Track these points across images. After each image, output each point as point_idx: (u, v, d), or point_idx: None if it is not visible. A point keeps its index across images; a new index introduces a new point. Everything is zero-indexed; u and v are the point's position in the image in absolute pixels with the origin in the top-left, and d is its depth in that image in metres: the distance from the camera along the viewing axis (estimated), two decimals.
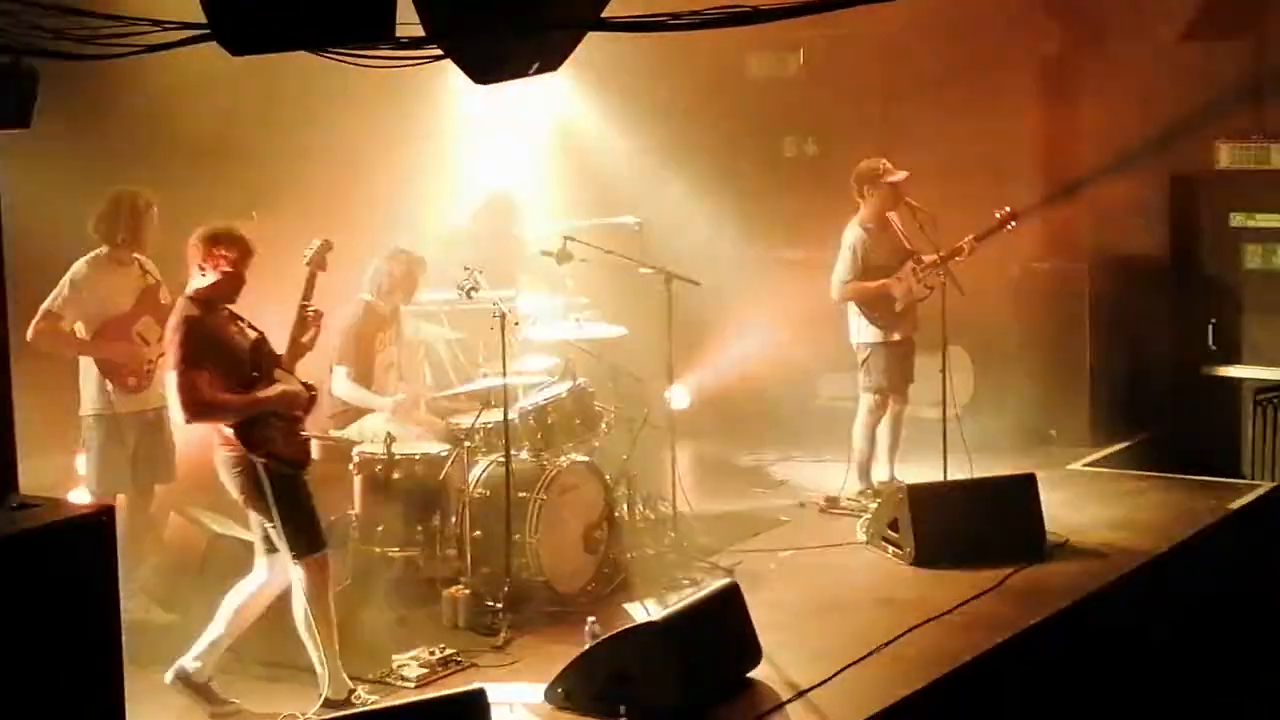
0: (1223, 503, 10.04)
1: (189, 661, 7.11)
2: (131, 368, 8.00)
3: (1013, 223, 9.96)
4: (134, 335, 8.04)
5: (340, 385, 8.79)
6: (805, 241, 10.89)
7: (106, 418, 8.00)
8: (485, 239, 10.17)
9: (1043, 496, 9.22)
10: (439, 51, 5.66)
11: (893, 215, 10.00)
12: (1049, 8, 12.21)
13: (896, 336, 9.99)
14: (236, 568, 8.20)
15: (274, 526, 6.97)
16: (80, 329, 7.98)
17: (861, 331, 10.03)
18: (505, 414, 8.24)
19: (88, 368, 8.03)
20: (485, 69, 5.78)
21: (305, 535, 7.02)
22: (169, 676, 7.08)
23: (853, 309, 10.03)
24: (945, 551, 8.83)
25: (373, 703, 6.92)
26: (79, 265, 7.98)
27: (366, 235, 9.35)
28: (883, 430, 10.17)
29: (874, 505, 9.68)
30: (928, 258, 9.84)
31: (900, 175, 9.88)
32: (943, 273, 9.70)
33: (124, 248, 8.06)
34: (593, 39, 5.90)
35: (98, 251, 8.05)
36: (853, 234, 9.99)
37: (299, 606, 7.04)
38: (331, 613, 7.07)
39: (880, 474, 10.16)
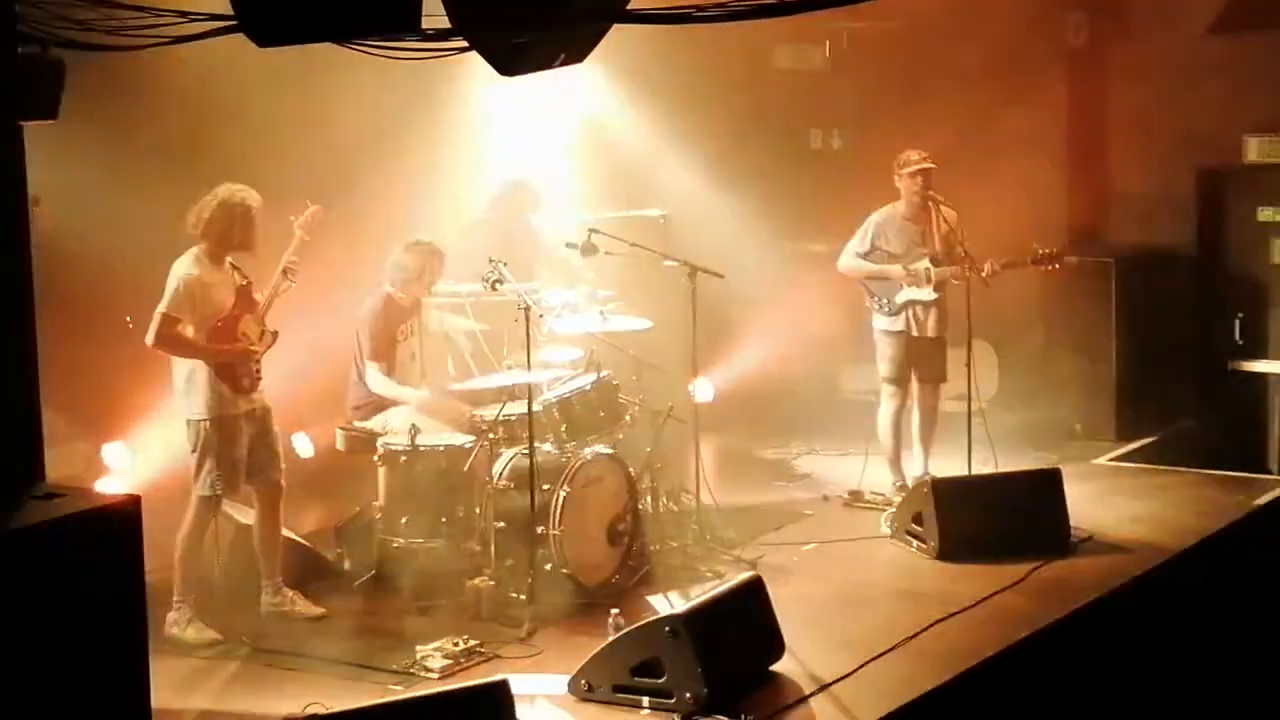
0: (1248, 498, 10.00)
1: None
2: (244, 368, 7.90)
3: (1056, 265, 9.92)
4: (240, 335, 7.94)
5: (375, 381, 8.80)
6: (830, 234, 10.86)
7: (223, 419, 7.87)
8: (502, 229, 10.13)
9: (1067, 491, 9.19)
10: (465, 43, 5.67)
11: (946, 211, 9.91)
12: (1076, 0, 12.16)
13: (899, 327, 9.99)
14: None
15: None
16: (190, 331, 7.83)
17: (874, 319, 10.09)
18: (530, 406, 8.25)
19: (195, 371, 7.85)
20: (510, 61, 5.79)
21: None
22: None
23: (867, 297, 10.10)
24: (969, 546, 8.81)
25: (397, 693, 6.95)
26: (186, 266, 7.82)
27: (386, 226, 9.36)
28: (914, 425, 10.18)
29: (898, 499, 9.68)
30: (949, 269, 9.82)
31: (915, 166, 9.86)
32: (967, 270, 9.68)
33: (224, 247, 7.93)
34: (618, 31, 5.90)
35: (196, 251, 7.88)
36: (875, 215, 10.05)
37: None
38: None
39: (914, 469, 10.15)
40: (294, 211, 8.12)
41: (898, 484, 10.06)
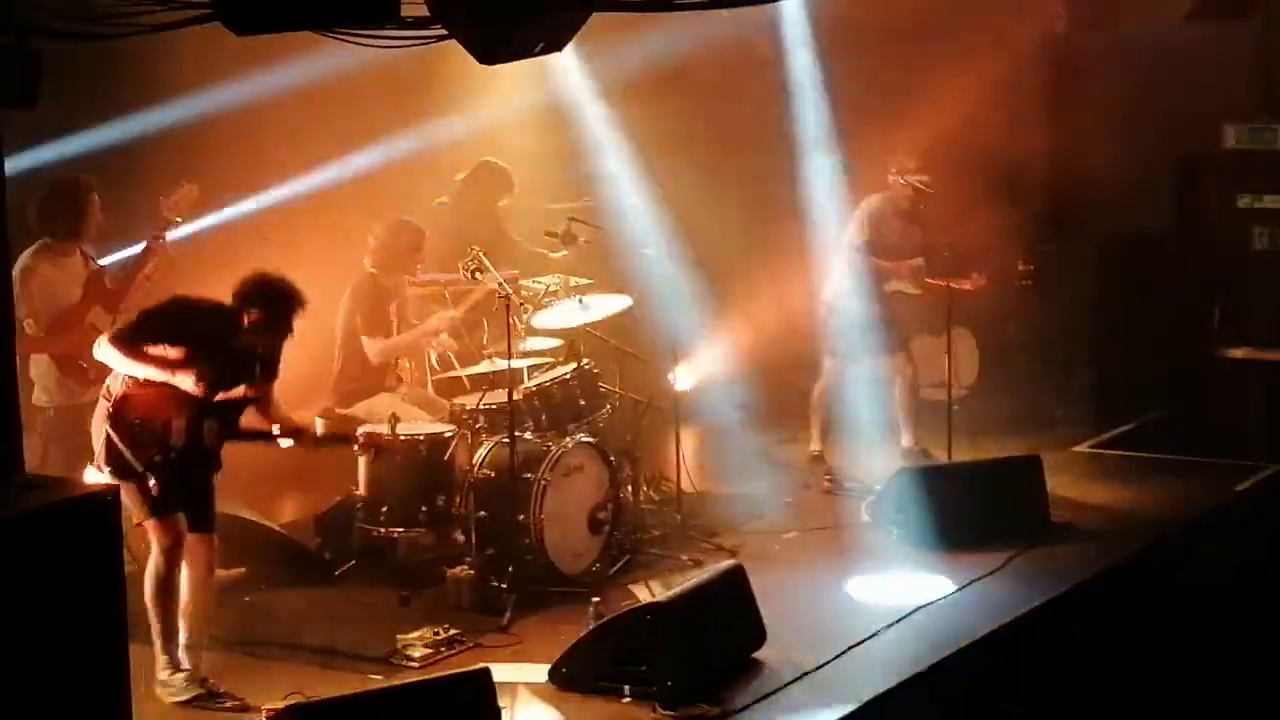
0: (1228, 484, 10.04)
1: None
2: (88, 359, 7.68)
3: (1030, 281, 10.24)
4: (87, 325, 7.89)
5: (378, 350, 8.82)
6: (811, 221, 10.87)
7: (68, 409, 7.85)
8: (468, 215, 10.08)
9: (1047, 478, 9.22)
10: (443, 31, 5.66)
11: (927, 204, 10.11)
12: None
13: (858, 307, 10.12)
14: (247, 551, 8.22)
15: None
16: (30, 325, 7.80)
17: (834, 293, 10.26)
18: (510, 395, 8.24)
19: (40, 359, 7.89)
20: (490, 49, 5.78)
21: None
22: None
23: (839, 267, 10.22)
24: (950, 533, 8.82)
25: (378, 682, 6.95)
26: (24, 259, 7.78)
27: (361, 211, 9.36)
28: (895, 399, 10.29)
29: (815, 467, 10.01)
30: (936, 278, 9.98)
31: (913, 179, 9.97)
32: (953, 282, 9.89)
33: (67, 237, 7.92)
34: (597, 17, 5.90)
35: (41, 243, 7.89)
36: (869, 203, 10.20)
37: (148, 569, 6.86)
38: (175, 589, 6.86)
39: (905, 441, 10.29)
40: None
41: (815, 451, 10.40)
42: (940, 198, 9.93)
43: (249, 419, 7.08)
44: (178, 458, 6.80)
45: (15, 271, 7.65)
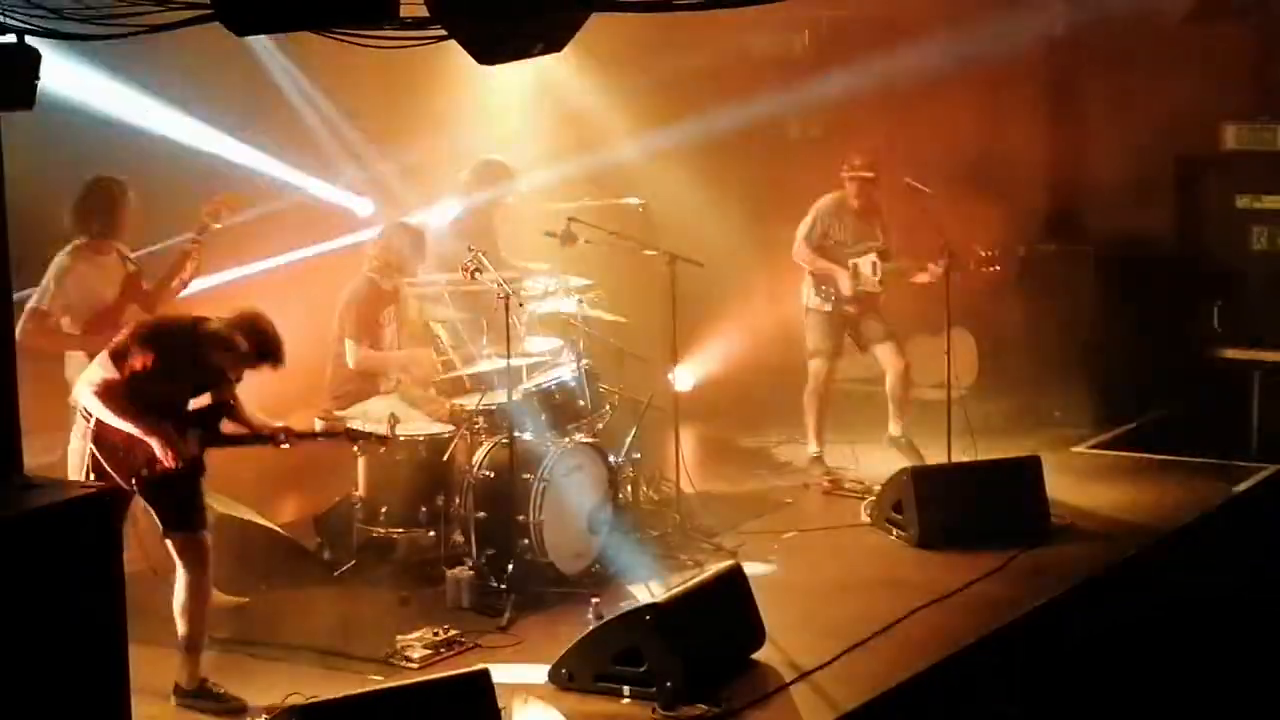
0: (1228, 485, 10.04)
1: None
2: None
3: (996, 267, 10.15)
4: (122, 325, 7.91)
5: (356, 356, 8.78)
6: None
7: None
8: (470, 213, 10.06)
9: (1047, 478, 9.22)
10: (442, 31, 5.65)
11: (879, 202, 10.18)
12: None
13: (828, 308, 10.23)
14: (246, 551, 8.22)
15: None
16: (67, 323, 7.82)
17: (807, 296, 10.34)
18: (509, 395, 8.23)
19: (76, 357, 7.82)
20: (489, 49, 5.77)
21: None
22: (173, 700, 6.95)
23: (807, 275, 10.30)
24: (949, 533, 8.83)
25: (378, 683, 6.95)
26: (60, 259, 7.81)
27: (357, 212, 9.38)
28: (886, 391, 10.36)
29: (815, 470, 10.12)
30: (893, 266, 10.06)
31: (851, 173, 10.10)
32: (910, 273, 9.99)
33: (102, 237, 7.93)
34: (596, 18, 5.89)
35: (76, 242, 7.89)
36: (823, 201, 10.30)
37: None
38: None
39: (892, 430, 10.35)
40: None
41: (814, 453, 10.37)
42: (928, 196, 9.92)
43: (231, 427, 7.08)
44: (161, 472, 6.78)
45: (52, 270, 7.77)
